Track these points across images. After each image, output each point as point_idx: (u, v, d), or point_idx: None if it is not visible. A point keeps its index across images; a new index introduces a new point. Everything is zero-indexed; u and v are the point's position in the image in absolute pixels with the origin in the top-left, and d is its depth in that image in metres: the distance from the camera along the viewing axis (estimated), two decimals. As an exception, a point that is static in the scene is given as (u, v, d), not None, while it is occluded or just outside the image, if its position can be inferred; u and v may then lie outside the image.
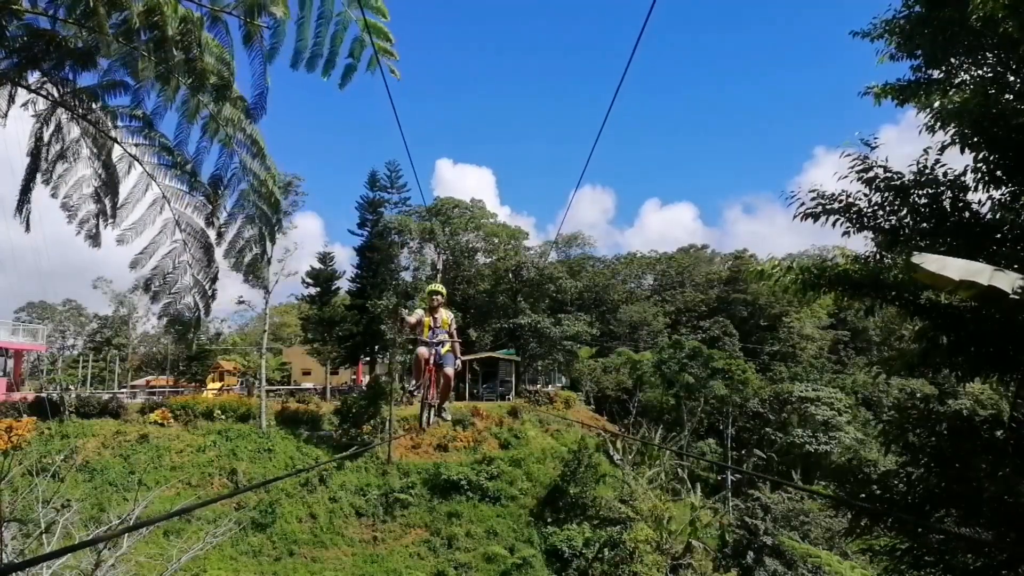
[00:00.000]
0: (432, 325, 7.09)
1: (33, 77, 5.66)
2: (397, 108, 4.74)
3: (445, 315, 7.23)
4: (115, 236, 6.15)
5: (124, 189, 6.22)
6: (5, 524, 12.07)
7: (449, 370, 7.10)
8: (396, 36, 5.29)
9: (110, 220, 6.18)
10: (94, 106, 5.86)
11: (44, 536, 14.01)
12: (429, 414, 7.45)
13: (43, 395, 36.87)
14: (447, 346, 7.15)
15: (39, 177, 5.83)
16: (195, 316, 6.63)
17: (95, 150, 5.98)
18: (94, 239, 6.21)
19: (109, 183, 6.10)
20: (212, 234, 6.44)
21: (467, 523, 33.26)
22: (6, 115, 5.62)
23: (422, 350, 6.97)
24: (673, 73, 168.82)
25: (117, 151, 6.10)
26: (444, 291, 7.42)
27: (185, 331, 7.12)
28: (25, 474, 19.81)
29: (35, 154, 5.75)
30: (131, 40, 5.00)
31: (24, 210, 5.83)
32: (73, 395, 37.42)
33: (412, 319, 7.04)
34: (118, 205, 6.19)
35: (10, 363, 40.64)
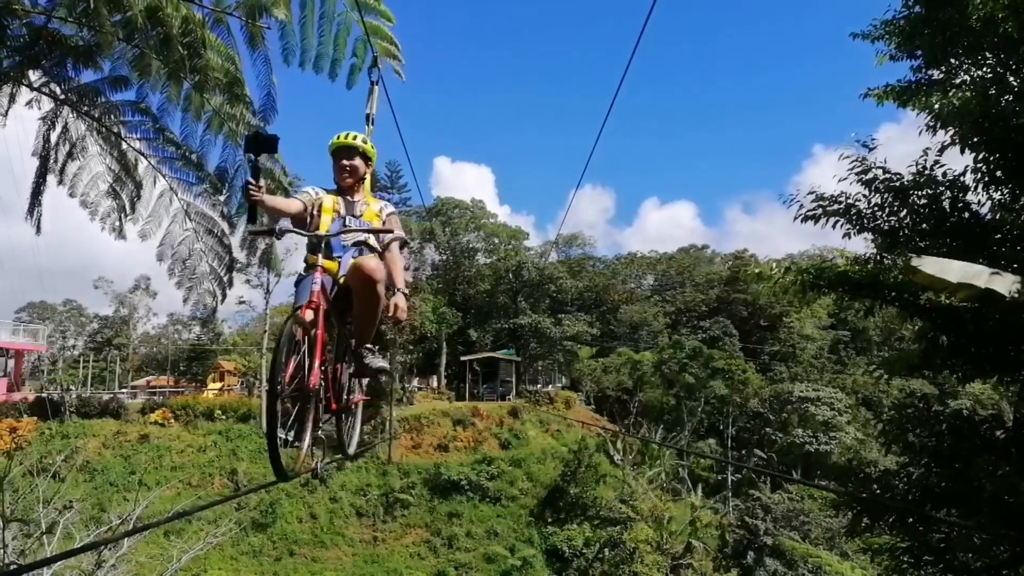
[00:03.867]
0: (339, 212, 3.64)
1: (35, 76, 5.69)
2: (394, 104, 4.72)
3: (374, 204, 3.76)
4: (137, 231, 6.25)
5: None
6: (6, 525, 12.07)
7: (372, 263, 3.35)
8: (394, 30, 5.34)
9: (129, 213, 6.26)
10: (98, 101, 5.89)
11: (45, 537, 14.01)
12: (341, 430, 3.95)
13: (44, 395, 36.89)
14: (372, 257, 3.51)
15: (52, 178, 5.89)
16: (215, 302, 6.72)
17: (104, 146, 6.03)
18: (119, 232, 6.30)
19: (125, 176, 6.17)
20: (224, 224, 6.53)
21: (467, 523, 33.26)
22: (6, 114, 5.65)
23: (312, 289, 3.17)
24: (672, 71, 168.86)
25: (125, 145, 6.16)
26: (373, 151, 3.79)
27: (207, 317, 7.28)
28: (26, 474, 19.82)
29: (44, 156, 5.79)
30: (133, 39, 5.03)
31: (36, 212, 5.88)
32: (74, 395, 37.45)
33: (287, 205, 3.55)
34: (139, 198, 6.27)
35: (11, 363, 40.64)
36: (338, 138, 3.75)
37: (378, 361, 3.62)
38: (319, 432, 3.43)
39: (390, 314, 3.55)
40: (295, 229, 3.51)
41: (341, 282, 3.50)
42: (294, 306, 3.33)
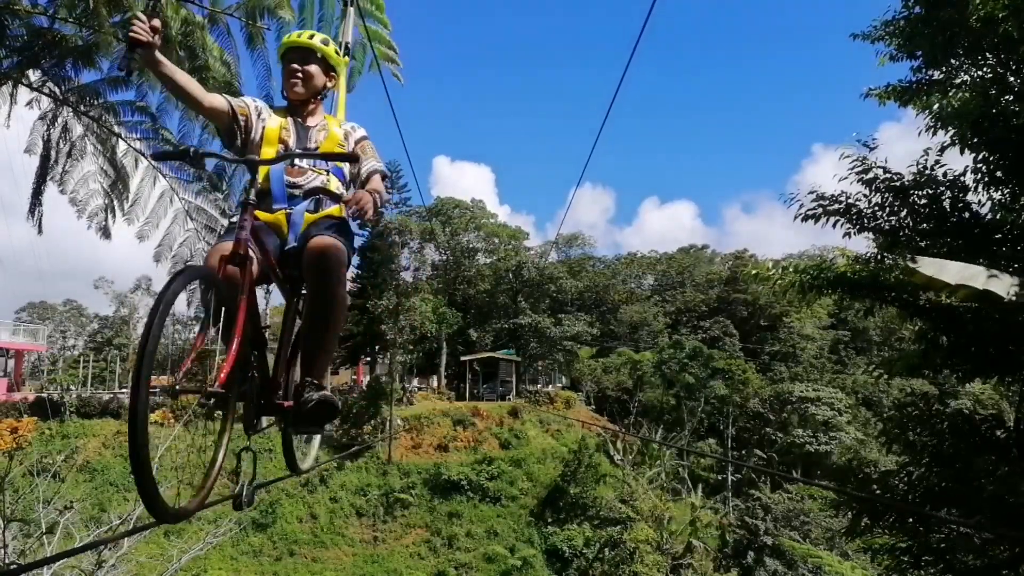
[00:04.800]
0: (288, 142, 2.62)
1: (35, 76, 5.70)
2: (393, 103, 4.69)
3: (336, 128, 2.76)
4: (135, 233, 6.25)
5: (133, 184, 6.31)
6: (6, 525, 12.07)
7: (331, 247, 2.37)
8: (397, 27, 5.37)
9: (124, 215, 6.27)
10: (96, 102, 5.91)
11: (45, 537, 14.00)
12: (289, 439, 2.92)
13: (44, 395, 36.90)
14: (332, 207, 2.62)
15: (48, 177, 5.91)
16: None
17: (99, 146, 6.04)
18: (104, 232, 6.31)
19: (116, 177, 6.18)
20: (225, 222, 6.55)
21: (467, 523, 33.27)
22: (9, 115, 5.66)
23: (239, 237, 2.15)
24: (672, 71, 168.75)
25: (122, 146, 6.18)
26: (338, 60, 2.81)
27: None
28: (26, 474, 19.82)
29: (44, 155, 5.80)
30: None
31: (37, 212, 5.90)
32: (74, 395, 37.45)
33: (202, 94, 2.49)
34: (128, 199, 6.29)
35: (11, 363, 40.66)
36: (288, 37, 2.71)
37: (322, 393, 2.50)
38: (250, 442, 2.54)
39: (353, 206, 2.40)
40: (220, 153, 2.63)
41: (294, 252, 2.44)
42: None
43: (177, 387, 2.01)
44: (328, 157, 2.55)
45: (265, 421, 2.69)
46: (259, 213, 2.38)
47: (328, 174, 2.65)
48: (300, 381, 2.51)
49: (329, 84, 2.78)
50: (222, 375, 2.03)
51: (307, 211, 2.52)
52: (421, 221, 50.99)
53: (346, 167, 2.73)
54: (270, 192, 2.51)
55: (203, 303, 2.10)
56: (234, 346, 2.05)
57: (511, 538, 32.54)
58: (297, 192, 2.57)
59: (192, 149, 2.34)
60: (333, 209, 2.60)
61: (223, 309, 2.07)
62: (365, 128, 2.88)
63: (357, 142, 2.78)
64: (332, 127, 2.75)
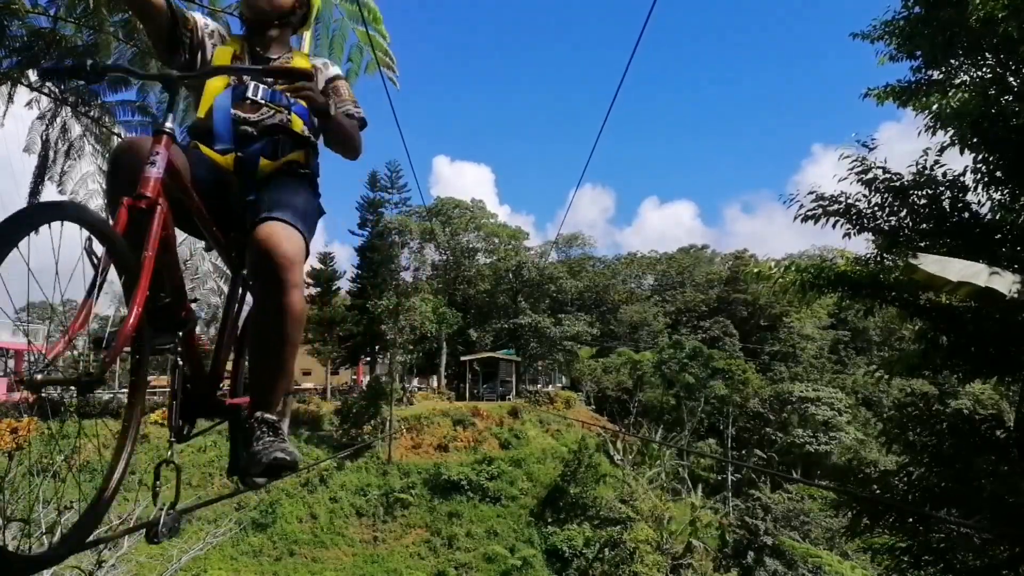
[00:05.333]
0: (239, 61, 2.17)
1: (34, 76, 5.71)
2: (393, 103, 4.72)
3: (302, 62, 2.19)
4: None
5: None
6: (6, 525, 12.07)
7: (281, 242, 1.79)
8: (391, 28, 5.41)
9: None
10: (94, 102, 5.91)
11: (45, 537, 14.00)
12: (236, 444, 2.29)
13: (44, 395, 36.92)
14: (295, 153, 2.13)
15: (46, 176, 5.92)
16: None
17: (97, 146, 6.05)
18: None
19: None
20: None
21: (467, 523, 33.28)
22: (4, 115, 5.67)
23: (146, 175, 1.55)
24: (672, 71, 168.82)
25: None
26: None
27: (213, 318, 7.27)
28: (26, 474, 19.84)
29: (43, 155, 5.81)
30: (133, 38, 5.04)
31: None
32: (74, 395, 37.47)
33: None
34: None
35: (11, 363, 40.68)
36: None
37: (275, 449, 1.84)
38: (172, 454, 1.93)
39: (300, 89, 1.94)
40: (125, 67, 1.93)
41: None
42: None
43: (38, 377, 1.41)
44: (270, 72, 1.93)
45: (198, 424, 2.06)
46: (204, 149, 2.00)
47: (289, 112, 2.13)
48: (249, 415, 1.96)
49: (299, 8, 2.30)
50: (106, 359, 1.48)
51: (263, 155, 2.04)
52: (421, 221, 51.00)
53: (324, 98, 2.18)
54: (213, 129, 2.05)
55: (90, 261, 1.49)
56: (130, 320, 1.49)
57: (511, 538, 32.54)
58: (250, 130, 2.07)
59: (89, 63, 1.69)
60: (296, 155, 2.11)
61: (115, 262, 1.53)
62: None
63: (329, 81, 2.28)
64: (299, 62, 2.22)
